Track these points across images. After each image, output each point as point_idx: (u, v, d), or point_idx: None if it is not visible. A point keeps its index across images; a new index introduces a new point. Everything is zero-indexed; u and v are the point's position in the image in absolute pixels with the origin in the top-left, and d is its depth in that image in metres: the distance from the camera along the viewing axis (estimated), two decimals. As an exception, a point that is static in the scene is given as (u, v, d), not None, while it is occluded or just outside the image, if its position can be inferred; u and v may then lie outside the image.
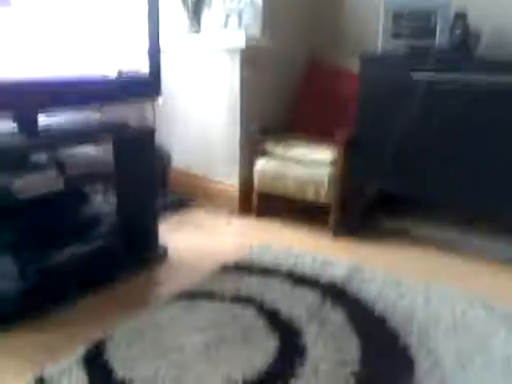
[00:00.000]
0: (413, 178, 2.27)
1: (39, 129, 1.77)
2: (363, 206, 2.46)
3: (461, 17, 2.27)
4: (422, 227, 2.52)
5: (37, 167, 1.80)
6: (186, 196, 2.87)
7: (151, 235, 2.16)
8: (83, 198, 2.02)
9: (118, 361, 1.44)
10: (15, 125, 1.74)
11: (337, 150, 2.39)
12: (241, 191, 2.73)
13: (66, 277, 1.84)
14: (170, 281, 2.00)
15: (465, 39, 2.28)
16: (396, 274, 2.03)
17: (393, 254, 2.26)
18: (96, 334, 1.57)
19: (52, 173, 1.79)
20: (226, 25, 2.67)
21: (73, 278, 1.86)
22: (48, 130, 1.80)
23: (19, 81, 1.64)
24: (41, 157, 1.92)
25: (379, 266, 2.11)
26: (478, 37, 2.31)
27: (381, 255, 2.25)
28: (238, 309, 1.74)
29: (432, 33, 2.29)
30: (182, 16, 2.81)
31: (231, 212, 2.74)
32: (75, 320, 1.68)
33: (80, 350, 1.48)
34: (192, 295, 1.82)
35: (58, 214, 1.89)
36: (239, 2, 2.64)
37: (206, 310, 1.72)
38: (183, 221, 2.64)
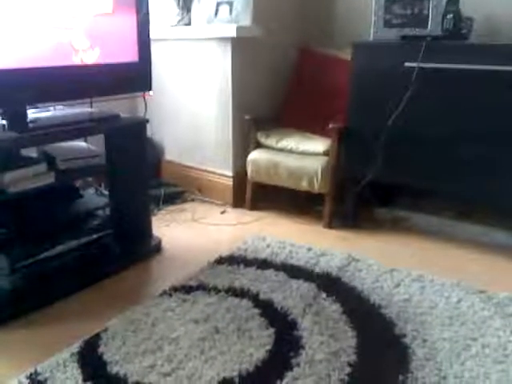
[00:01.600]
0: (405, 167, 2.26)
1: (28, 123, 1.75)
2: (357, 195, 2.45)
3: (453, 3, 2.26)
4: (416, 216, 2.52)
5: (27, 161, 1.77)
6: (179, 188, 2.85)
7: (144, 228, 2.15)
8: (75, 192, 2.00)
9: (113, 355, 1.44)
10: (4, 119, 1.71)
11: (330, 139, 2.37)
12: (234, 182, 2.71)
13: (59, 272, 1.83)
14: (164, 274, 1.99)
15: (457, 26, 2.26)
16: (391, 263, 2.02)
17: (387, 244, 2.26)
18: (90, 329, 1.56)
19: (42, 167, 1.77)
20: (216, 14, 2.64)
21: (66, 272, 1.84)
22: (37, 124, 1.77)
23: (6, 73, 1.61)
24: (31, 151, 1.90)
25: (374, 255, 2.10)
26: (470, 24, 2.30)
27: (375, 245, 2.25)
28: (232, 301, 1.73)
29: (424, 20, 2.27)
30: (172, 5, 2.78)
31: (225, 203, 2.73)
32: (69, 315, 1.67)
33: (74, 345, 1.47)
34: (186, 288, 1.81)
35: (50, 208, 1.87)
36: (230, -10, 2.60)
37: (200, 303, 1.71)
38: (176, 213, 2.62)
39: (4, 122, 1.71)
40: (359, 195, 2.45)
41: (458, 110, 2.10)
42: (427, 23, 2.27)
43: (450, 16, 2.26)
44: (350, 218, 2.47)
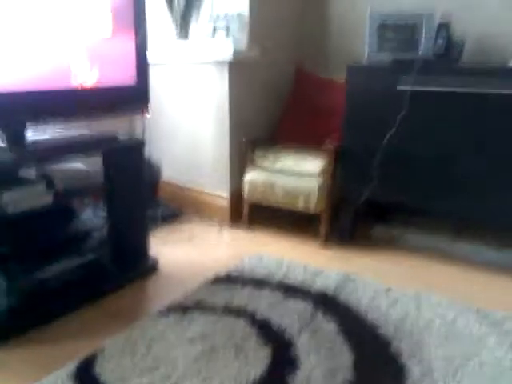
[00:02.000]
0: (400, 185, 2.30)
1: (27, 143, 1.77)
2: (353, 215, 2.47)
3: (444, 27, 2.32)
4: (412, 235, 2.54)
5: (25, 182, 1.79)
6: (176, 208, 2.86)
7: (142, 248, 2.16)
8: (72, 212, 2.01)
9: (109, 375, 1.43)
10: (3, 139, 1.74)
11: (325, 159, 2.41)
12: (231, 202, 2.73)
13: (56, 291, 1.83)
14: (161, 293, 1.99)
15: (448, 49, 2.32)
16: (387, 282, 2.03)
17: (383, 263, 2.27)
18: (87, 348, 1.56)
19: (41, 187, 1.78)
20: (213, 37, 2.69)
21: (63, 292, 1.84)
22: (36, 145, 1.80)
23: (6, 94, 1.64)
24: (29, 171, 1.91)
25: (370, 274, 2.11)
26: (461, 46, 2.36)
27: (372, 264, 2.26)
28: (229, 320, 1.73)
29: (417, 44, 2.33)
30: (170, 28, 2.83)
31: (222, 223, 2.74)
32: (66, 334, 1.67)
33: (71, 365, 1.47)
34: (183, 307, 1.81)
35: (47, 228, 1.88)
36: (226, 14, 2.66)
37: (197, 322, 1.72)
38: (174, 233, 2.63)
39: (3, 142, 1.74)
40: (355, 214, 2.48)
41: (450, 130, 2.14)
42: (419, 47, 2.33)
43: (441, 40, 2.32)
44: (346, 237, 2.48)
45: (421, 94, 2.16)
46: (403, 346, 1.59)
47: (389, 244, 2.48)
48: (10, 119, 1.70)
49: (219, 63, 2.59)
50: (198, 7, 2.79)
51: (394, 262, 2.28)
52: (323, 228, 2.45)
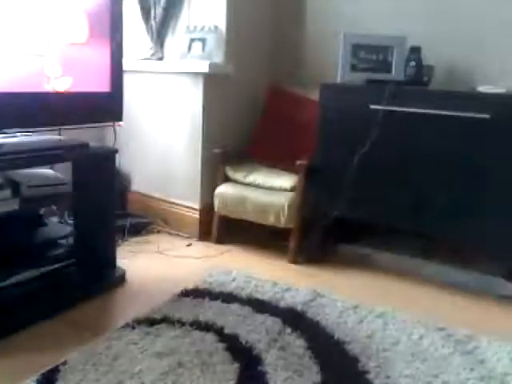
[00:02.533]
0: (369, 204, 2.33)
1: (-5, 148, 1.72)
2: (323, 232, 2.49)
3: (415, 51, 2.39)
4: (380, 254, 2.56)
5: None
6: (146, 219, 2.82)
7: (108, 259, 2.11)
8: (38, 220, 1.96)
9: (72, 389, 1.39)
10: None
11: (297, 176, 2.42)
12: (201, 215, 2.71)
13: (18, 301, 1.77)
14: (127, 306, 1.95)
15: (419, 73, 2.39)
16: (355, 299, 2.05)
17: (352, 280, 2.29)
18: (49, 361, 1.50)
19: (6, 193, 1.73)
20: (189, 50, 2.69)
21: (26, 302, 1.78)
22: (3, 149, 1.74)
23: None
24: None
25: (338, 291, 2.12)
26: (431, 71, 2.43)
27: (340, 281, 2.27)
28: (197, 335, 1.71)
29: (389, 66, 2.40)
30: (146, 39, 2.82)
31: (191, 236, 2.72)
32: (27, 347, 1.61)
33: (31, 379, 1.42)
34: (150, 321, 1.78)
35: (12, 235, 1.82)
36: (203, 28, 2.67)
37: (164, 336, 1.68)
38: (142, 244, 2.59)
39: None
40: (325, 231, 2.49)
41: (419, 151, 2.19)
42: (391, 69, 2.39)
43: (412, 63, 2.39)
44: (315, 254, 2.49)
45: (392, 115, 2.21)
46: (371, 364, 1.59)
47: (357, 262, 2.50)
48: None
49: (194, 75, 2.59)
50: (175, 19, 2.80)
51: (362, 280, 2.30)
52: (293, 244, 2.46)
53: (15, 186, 1.79)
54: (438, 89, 2.41)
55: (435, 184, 2.17)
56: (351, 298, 2.06)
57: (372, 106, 2.24)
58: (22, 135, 1.94)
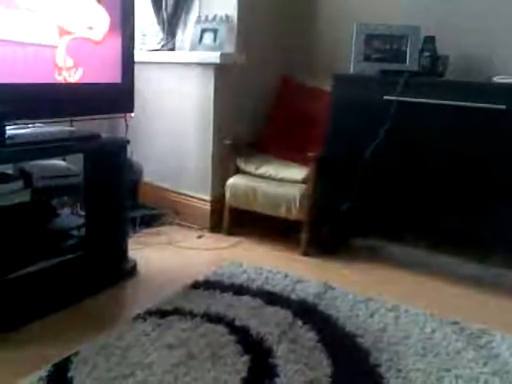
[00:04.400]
0: (381, 197, 2.31)
1: (6, 139, 1.72)
2: (334, 224, 2.47)
3: (430, 41, 2.35)
4: (392, 246, 2.55)
5: (3, 178, 1.74)
6: (157, 210, 2.82)
7: (120, 250, 2.12)
8: (50, 211, 1.97)
9: (83, 380, 1.39)
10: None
11: (308, 168, 2.40)
12: (212, 207, 2.71)
13: (31, 292, 1.78)
14: (139, 297, 1.96)
15: (433, 63, 2.35)
16: (366, 292, 2.03)
17: (363, 273, 2.28)
18: (60, 353, 1.51)
19: (19, 184, 1.74)
20: (201, 41, 2.68)
21: (37, 293, 1.79)
22: (16, 140, 1.75)
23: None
24: (7, 168, 1.86)
25: (350, 284, 2.11)
26: (446, 61, 2.39)
27: (351, 274, 2.26)
28: (208, 326, 1.71)
29: (402, 56, 2.35)
30: (157, 30, 2.81)
31: (202, 227, 2.72)
32: (39, 337, 1.62)
33: (43, 369, 1.43)
34: (161, 312, 1.78)
35: (24, 226, 1.83)
36: (214, 18, 2.65)
37: (175, 328, 1.68)
38: (154, 236, 2.60)
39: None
40: (336, 223, 2.48)
41: (433, 143, 2.16)
42: (405, 59, 2.35)
43: (426, 53, 2.35)
44: (326, 246, 2.48)
45: (406, 105, 2.18)
46: (382, 357, 1.58)
47: (369, 255, 2.49)
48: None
49: (206, 65, 2.58)
50: (187, 9, 2.78)
51: (374, 273, 2.28)
52: (304, 236, 2.45)
53: (27, 177, 1.80)
54: (452, 79, 2.36)
55: (448, 177, 2.14)
56: (363, 290, 2.05)
57: (385, 97, 2.21)
58: (33, 126, 1.94)
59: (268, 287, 2.04)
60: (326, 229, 2.48)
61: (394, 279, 2.23)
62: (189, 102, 2.70)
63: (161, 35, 2.80)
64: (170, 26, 2.78)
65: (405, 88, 2.18)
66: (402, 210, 2.28)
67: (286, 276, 2.14)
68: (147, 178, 2.88)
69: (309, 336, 1.68)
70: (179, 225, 2.77)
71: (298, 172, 2.46)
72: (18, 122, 1.85)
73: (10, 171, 1.88)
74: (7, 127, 1.74)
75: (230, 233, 2.66)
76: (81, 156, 1.96)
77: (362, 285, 2.12)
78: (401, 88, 2.17)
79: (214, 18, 2.65)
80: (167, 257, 2.35)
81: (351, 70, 2.38)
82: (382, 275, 2.27)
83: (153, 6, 2.79)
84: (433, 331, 1.76)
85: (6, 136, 1.73)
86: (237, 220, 2.67)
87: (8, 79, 1.64)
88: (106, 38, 1.93)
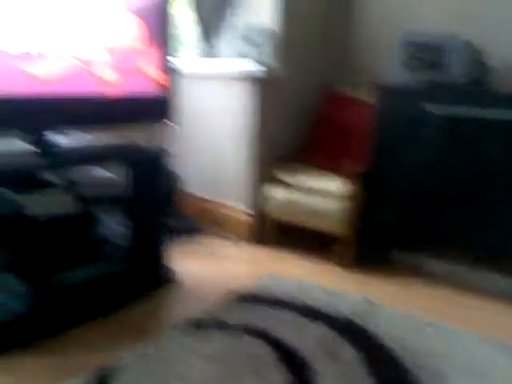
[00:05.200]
0: (425, 212, 2.24)
1: (53, 148, 1.76)
2: (375, 238, 2.42)
3: (474, 50, 2.28)
4: (434, 263, 2.46)
5: (48, 185, 1.78)
6: (197, 220, 2.83)
7: (160, 259, 2.13)
8: (94, 219, 1.99)
9: (123, 390, 1.40)
10: (28, 142, 1.73)
11: (349, 181, 2.37)
12: (253, 218, 2.70)
13: (72, 299, 1.81)
14: (178, 308, 1.96)
15: (478, 72, 2.28)
16: (408, 309, 1.97)
17: (405, 289, 2.21)
18: (101, 360, 1.52)
19: (63, 193, 1.77)
20: (242, 53, 2.69)
21: (79, 300, 1.82)
22: (62, 150, 1.79)
23: (32, 97, 1.64)
24: (53, 176, 1.90)
25: (391, 300, 2.05)
26: (493, 70, 2.31)
27: (393, 289, 2.20)
28: (247, 340, 1.68)
29: (446, 65, 2.29)
30: (198, 42, 2.84)
31: (241, 239, 2.71)
32: (80, 345, 1.64)
33: (84, 376, 1.44)
34: (200, 324, 1.77)
35: (67, 233, 1.86)
36: (256, 31, 2.66)
37: (214, 340, 1.67)
38: (194, 246, 2.60)
39: (28, 145, 1.73)
40: (378, 238, 2.42)
41: (481, 158, 2.08)
42: (450, 70, 2.29)
43: (472, 63, 2.28)
44: (368, 261, 2.42)
45: (451, 117, 2.11)
46: (422, 376, 1.52)
47: (411, 270, 2.41)
48: (35, 121, 1.70)
49: (246, 77, 2.58)
50: (228, 22, 2.80)
51: (416, 289, 2.21)
52: (345, 250, 2.40)
53: (71, 186, 1.83)
54: (498, 89, 2.28)
55: (496, 194, 2.06)
56: (404, 307, 1.99)
57: (429, 108, 2.16)
58: (78, 135, 1.98)
59: (308, 301, 2.00)
60: (367, 243, 2.43)
61: (436, 296, 2.15)
62: (230, 113, 2.71)
63: (203, 47, 2.83)
64: (212, 38, 2.80)
65: (449, 99, 2.12)
66: (445, 225, 2.21)
67: (327, 290, 2.10)
68: (188, 187, 2.90)
69: (349, 353, 1.64)
70: (219, 235, 2.77)
71: (339, 184, 2.42)
72: (62, 130, 1.90)
73: (54, 179, 1.92)
74: (52, 135, 1.78)
75: (270, 245, 2.64)
76: (123, 165, 1.99)
77: (402, 300, 2.06)
78: (445, 99, 2.12)
79: (257, 30, 2.66)
80: (207, 267, 2.35)
81: (394, 81, 2.34)
82: (422, 291, 2.19)
83: (194, 19, 2.83)
84: (476, 350, 1.69)
85: (52, 144, 1.77)
86: (277, 232, 2.65)
87: (53, 89, 1.69)
88: (148, 49, 1.95)
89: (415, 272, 2.40)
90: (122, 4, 1.83)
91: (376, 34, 2.82)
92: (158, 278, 2.11)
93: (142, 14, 1.91)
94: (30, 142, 1.73)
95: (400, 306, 1.99)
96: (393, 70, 2.34)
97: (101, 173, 2.11)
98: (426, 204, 2.23)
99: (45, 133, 1.76)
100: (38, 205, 1.69)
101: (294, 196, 2.48)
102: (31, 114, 1.67)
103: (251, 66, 2.55)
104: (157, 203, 2.10)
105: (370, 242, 2.43)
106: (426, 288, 2.23)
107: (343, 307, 1.96)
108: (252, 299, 1.99)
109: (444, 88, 2.15)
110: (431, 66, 2.31)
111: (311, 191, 2.47)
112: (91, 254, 1.95)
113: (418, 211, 2.26)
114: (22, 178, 1.74)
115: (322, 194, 2.44)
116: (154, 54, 1.99)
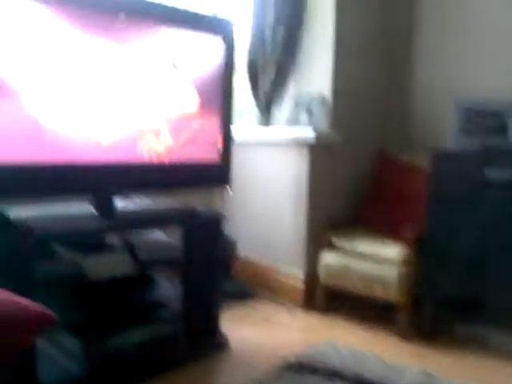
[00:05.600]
0: (487, 282, 2.13)
1: (114, 212, 1.85)
2: (435, 308, 2.31)
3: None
4: (499, 335, 2.31)
5: (109, 249, 1.85)
6: (250, 285, 2.82)
7: (212, 324, 2.12)
8: (150, 282, 2.04)
9: None
10: (93, 206, 1.83)
11: (406, 247, 2.31)
12: (305, 284, 2.66)
13: (128, 360, 1.82)
14: (229, 374, 1.93)
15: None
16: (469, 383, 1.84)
17: (467, 362, 2.07)
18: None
19: (123, 255, 1.84)
20: (295, 119, 2.77)
21: (132, 363, 1.83)
22: (122, 214, 1.87)
23: (99, 164, 1.75)
24: (113, 239, 1.98)
25: (450, 374, 1.92)
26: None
27: (454, 362, 2.07)
28: (299, 411, 1.62)
29: (505, 130, 2.25)
30: (254, 109, 2.95)
31: (295, 305, 2.66)
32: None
33: None
34: (251, 392, 1.73)
35: (125, 295, 1.90)
36: (310, 97, 2.74)
37: (265, 410, 1.62)
38: (246, 311, 2.58)
39: (92, 208, 1.82)
40: (438, 307, 2.31)
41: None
42: (509, 134, 2.25)
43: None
44: (427, 332, 2.31)
45: (510, 183, 2.05)
46: None
47: (473, 342, 2.27)
48: (99, 188, 1.80)
49: (300, 142, 2.64)
50: (283, 89, 2.90)
51: (478, 362, 2.07)
52: (403, 320, 2.30)
53: (130, 249, 1.89)
54: None
55: None
56: (465, 380, 1.86)
57: (488, 173, 2.11)
58: (139, 200, 2.07)
59: (363, 372, 1.91)
60: (426, 312, 2.32)
61: (500, 370, 2.00)
62: (284, 178, 2.75)
63: (257, 114, 2.93)
64: (267, 105, 2.90)
65: (509, 163, 2.06)
66: (505, 294, 2.08)
67: (383, 362, 2.01)
68: (241, 252, 2.92)
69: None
70: (272, 301, 2.73)
71: (395, 250, 2.36)
72: (125, 195, 1.99)
73: (115, 243, 2.00)
74: (115, 200, 1.88)
75: (324, 312, 2.57)
76: (180, 229, 2.05)
77: (464, 375, 1.93)
78: (505, 165, 2.06)
79: (310, 97, 2.74)
80: (259, 333, 2.31)
81: (450, 145, 2.32)
82: (487, 365, 2.05)
83: (251, 87, 2.95)
84: None
85: (115, 208, 1.86)
86: (331, 298, 2.58)
87: (117, 157, 1.80)
88: (207, 118, 2.05)
89: (479, 344, 2.25)
90: (183, 76, 1.96)
91: (432, 100, 2.83)
92: (209, 343, 2.09)
93: (202, 85, 2.03)
94: (95, 206, 1.82)
95: (463, 381, 1.86)
96: (451, 136, 2.32)
97: (158, 236, 2.17)
98: (485, 272, 2.13)
99: (109, 197, 1.85)
100: (97, 266, 1.75)
101: (349, 261, 2.44)
102: (97, 179, 1.78)
103: (305, 133, 2.60)
104: (211, 267, 2.12)
105: (429, 311, 2.32)
106: (492, 361, 2.08)
107: (401, 381, 1.85)
108: (304, 369, 1.92)
109: (503, 152, 2.10)
110: (490, 131, 2.28)
111: (366, 256, 2.42)
112: (145, 316, 1.98)
113: (476, 279, 2.15)
114: (84, 240, 1.82)
115: (378, 259, 2.38)
116: (213, 122, 2.08)
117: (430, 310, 2.31)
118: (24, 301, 1.07)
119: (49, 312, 1.07)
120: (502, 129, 2.27)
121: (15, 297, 1.09)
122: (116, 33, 1.75)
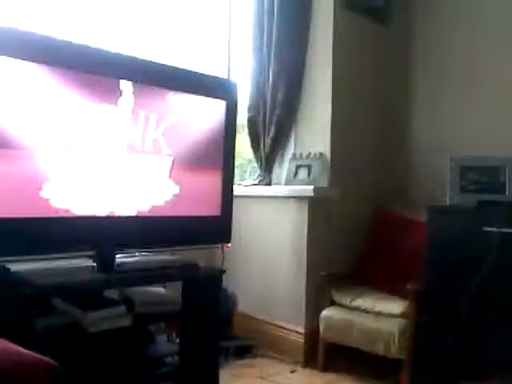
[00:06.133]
0: (490, 338, 2.10)
1: (115, 266, 1.86)
2: (439, 365, 2.26)
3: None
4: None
5: (108, 303, 1.85)
6: (250, 340, 2.78)
7: (211, 380, 2.08)
8: (148, 336, 2.02)
9: None
10: (94, 261, 1.84)
11: (407, 301, 2.29)
12: (306, 340, 2.62)
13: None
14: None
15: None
16: None
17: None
18: None
19: (122, 309, 1.83)
20: (295, 176, 2.82)
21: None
22: (122, 268, 1.88)
23: (100, 220, 1.79)
24: (113, 293, 1.99)
25: None
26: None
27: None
28: None
29: (502, 186, 2.29)
30: (255, 166, 3.01)
31: (295, 361, 2.61)
32: None
33: None
34: None
35: (122, 350, 1.88)
36: (309, 155, 2.81)
37: None
38: (245, 368, 2.53)
39: (93, 263, 1.84)
40: (441, 363, 2.27)
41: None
42: (505, 189, 2.28)
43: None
44: (430, 387, 2.25)
45: (509, 238, 2.07)
46: None
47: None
48: (101, 242, 1.83)
49: (300, 198, 2.68)
50: (283, 148, 2.98)
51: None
52: (405, 377, 2.25)
53: (129, 303, 1.89)
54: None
55: None
56: None
57: (485, 228, 2.13)
58: (139, 255, 2.09)
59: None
60: (429, 370, 2.27)
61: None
62: (284, 233, 2.77)
63: (258, 171, 3.00)
64: (268, 163, 2.97)
65: (506, 219, 2.09)
66: (506, 351, 2.05)
67: (386, 421, 1.96)
68: (241, 307, 2.89)
69: None
70: (272, 357, 2.68)
71: (396, 305, 2.35)
72: (126, 250, 2.01)
73: (114, 297, 2.00)
74: (117, 255, 1.90)
75: (325, 369, 2.52)
76: (180, 284, 2.05)
77: None
78: (502, 219, 2.09)
79: (309, 155, 2.81)
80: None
81: (447, 202, 2.35)
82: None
83: (252, 146, 3.03)
84: None
85: (115, 264, 1.87)
86: (332, 355, 2.54)
87: (118, 212, 1.84)
88: (208, 174, 2.10)
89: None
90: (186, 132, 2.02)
91: (427, 155, 2.91)
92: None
93: (204, 137, 2.08)
94: (95, 261, 1.84)
95: None
96: (447, 192, 2.36)
97: (158, 291, 2.17)
98: (485, 329, 2.11)
99: (110, 252, 1.87)
100: (97, 321, 1.75)
101: (349, 317, 2.42)
102: (100, 234, 1.80)
103: (304, 188, 2.65)
104: (211, 322, 2.11)
105: (434, 369, 2.27)
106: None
107: None
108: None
109: (500, 207, 2.13)
110: (484, 187, 2.32)
111: (367, 312, 2.40)
112: (143, 372, 1.95)
113: (478, 336, 2.13)
114: (85, 294, 1.83)
115: (379, 314, 2.37)
116: (213, 179, 2.13)
117: (433, 367, 2.26)
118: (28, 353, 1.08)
119: (53, 362, 1.08)
120: (498, 184, 2.31)
121: (20, 348, 1.10)
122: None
